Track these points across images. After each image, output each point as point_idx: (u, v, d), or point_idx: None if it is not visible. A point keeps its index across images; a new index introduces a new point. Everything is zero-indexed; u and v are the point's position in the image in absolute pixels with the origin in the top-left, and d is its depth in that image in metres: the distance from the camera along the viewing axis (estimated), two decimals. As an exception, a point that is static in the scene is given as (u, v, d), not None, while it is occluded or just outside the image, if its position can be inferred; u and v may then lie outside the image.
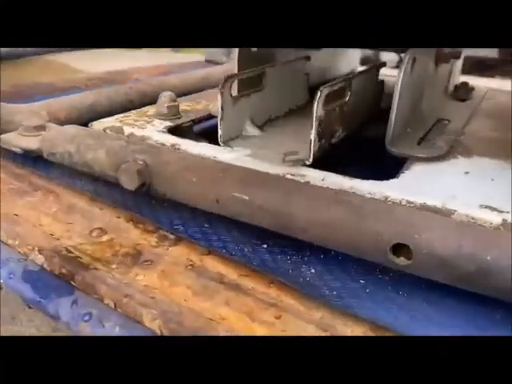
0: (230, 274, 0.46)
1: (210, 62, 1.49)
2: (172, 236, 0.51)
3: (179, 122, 0.67)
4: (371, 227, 0.40)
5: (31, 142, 0.63)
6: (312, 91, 0.84)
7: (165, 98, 0.67)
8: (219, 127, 0.59)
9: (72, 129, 0.61)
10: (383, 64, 0.79)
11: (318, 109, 0.51)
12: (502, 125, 0.75)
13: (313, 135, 0.52)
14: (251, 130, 0.64)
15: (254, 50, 0.67)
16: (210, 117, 0.73)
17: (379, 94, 0.80)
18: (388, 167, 0.57)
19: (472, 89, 0.92)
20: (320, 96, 0.51)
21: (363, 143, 0.68)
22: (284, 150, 0.58)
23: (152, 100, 0.84)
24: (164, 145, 0.59)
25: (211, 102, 0.76)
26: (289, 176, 0.52)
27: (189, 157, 0.53)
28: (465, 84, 0.92)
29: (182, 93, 0.91)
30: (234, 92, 0.61)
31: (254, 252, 0.48)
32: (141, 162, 0.53)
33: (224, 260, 0.48)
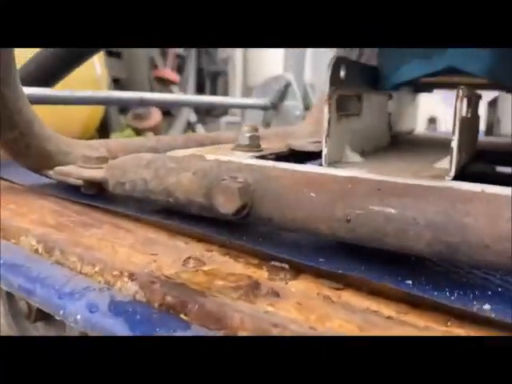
0: (384, 309, 0.33)
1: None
2: (286, 266, 0.39)
3: (262, 153, 0.58)
4: None
5: (94, 173, 0.54)
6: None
7: (247, 127, 0.58)
8: (324, 145, 0.49)
9: (147, 155, 0.52)
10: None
11: (461, 109, 0.42)
12: None
13: (455, 142, 0.42)
14: (352, 155, 0.54)
15: (343, 74, 0.60)
16: (291, 153, 0.64)
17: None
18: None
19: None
20: (462, 94, 0.42)
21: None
22: (400, 170, 0.48)
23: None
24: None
25: (285, 142, 0.68)
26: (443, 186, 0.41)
27: (304, 172, 0.43)
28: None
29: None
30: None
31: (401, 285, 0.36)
32: (241, 180, 0.43)
33: (365, 295, 0.35)
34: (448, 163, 0.46)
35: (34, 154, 0.53)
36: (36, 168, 0.55)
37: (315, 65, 3.96)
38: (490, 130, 1.14)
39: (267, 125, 1.32)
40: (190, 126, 4.22)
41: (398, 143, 0.76)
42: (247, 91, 4.41)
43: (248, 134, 0.58)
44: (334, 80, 0.57)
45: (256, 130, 0.60)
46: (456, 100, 0.42)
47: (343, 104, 0.55)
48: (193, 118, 4.19)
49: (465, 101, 0.45)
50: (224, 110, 3.88)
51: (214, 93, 4.81)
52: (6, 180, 0.60)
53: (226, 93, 4.91)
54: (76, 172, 0.54)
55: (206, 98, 1.45)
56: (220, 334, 0.28)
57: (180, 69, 4.26)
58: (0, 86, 0.46)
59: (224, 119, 3.73)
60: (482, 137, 0.88)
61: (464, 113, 0.46)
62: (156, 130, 3.42)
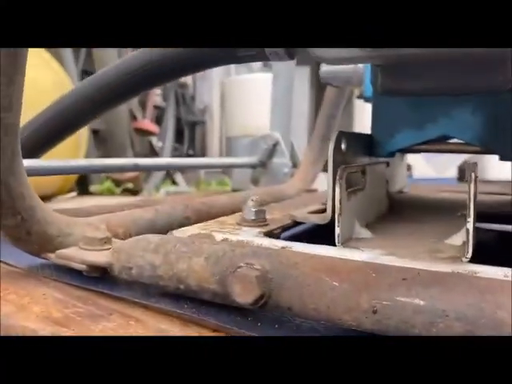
0: None
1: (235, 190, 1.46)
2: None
3: (269, 228, 0.57)
4: None
5: (98, 256, 0.52)
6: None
7: (252, 202, 0.58)
8: (337, 225, 0.49)
9: (154, 237, 0.50)
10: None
11: (475, 189, 0.43)
12: None
13: (471, 223, 0.43)
14: (362, 231, 0.54)
15: (344, 147, 0.61)
16: (295, 224, 0.63)
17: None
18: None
19: None
20: (472, 176, 0.43)
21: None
22: (415, 250, 0.48)
23: (207, 217, 0.77)
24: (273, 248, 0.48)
25: (287, 212, 0.68)
26: (465, 272, 0.41)
27: (323, 257, 0.42)
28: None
29: (232, 211, 0.84)
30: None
31: None
32: (258, 267, 0.41)
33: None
34: (458, 239, 0.46)
35: (35, 240, 0.51)
36: (37, 252, 0.53)
37: (301, 122, 4.06)
38: (462, 176, 1.17)
39: (256, 182, 1.33)
40: (168, 175, 4.21)
41: (394, 206, 0.77)
42: (226, 141, 4.47)
43: (254, 209, 0.58)
44: (337, 154, 0.57)
45: (262, 203, 0.59)
46: (469, 184, 0.43)
47: (350, 180, 0.55)
48: (172, 167, 4.18)
49: (474, 179, 0.45)
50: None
51: (192, 142, 4.85)
52: (3, 262, 0.57)
53: (204, 142, 4.96)
54: (78, 256, 0.52)
55: (200, 161, 1.46)
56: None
57: (159, 119, 4.30)
58: (5, 174, 0.44)
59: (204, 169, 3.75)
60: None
61: (475, 191, 0.46)
62: (136, 181, 3.39)
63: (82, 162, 0.88)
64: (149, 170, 2.46)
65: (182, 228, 0.57)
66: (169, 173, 4.23)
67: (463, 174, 3.07)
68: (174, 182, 4.27)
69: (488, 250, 0.63)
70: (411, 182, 2.43)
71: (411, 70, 0.60)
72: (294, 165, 1.32)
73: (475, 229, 0.44)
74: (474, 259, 0.45)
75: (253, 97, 3.37)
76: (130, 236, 0.64)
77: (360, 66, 0.88)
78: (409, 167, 2.67)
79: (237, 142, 3.73)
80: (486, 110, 0.66)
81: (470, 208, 0.43)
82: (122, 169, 0.94)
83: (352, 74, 0.91)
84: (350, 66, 0.91)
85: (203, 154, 4.87)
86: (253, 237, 0.52)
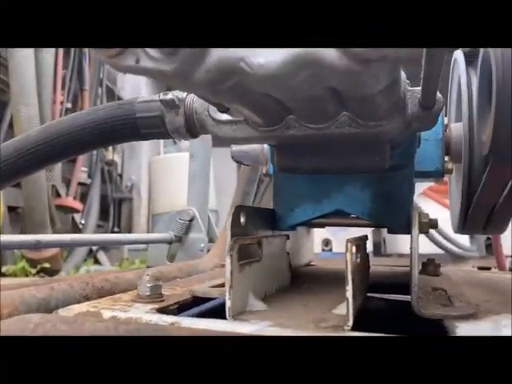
0: None
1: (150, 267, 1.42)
2: None
3: (164, 304, 0.56)
4: None
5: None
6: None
7: (148, 276, 0.57)
8: (227, 297, 0.49)
9: (34, 317, 0.47)
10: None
11: (351, 260, 0.45)
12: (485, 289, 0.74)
13: (350, 292, 0.45)
14: (256, 303, 0.55)
15: (243, 221, 0.63)
16: (195, 301, 0.62)
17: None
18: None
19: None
20: (351, 246, 0.46)
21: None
22: (302, 321, 0.49)
23: (109, 294, 0.74)
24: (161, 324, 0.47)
25: (188, 287, 0.67)
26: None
27: (206, 331, 0.42)
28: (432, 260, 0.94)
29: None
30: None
31: None
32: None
33: None
34: (344, 308, 0.48)
35: None
36: None
37: (219, 191, 4.13)
38: (377, 250, 1.23)
39: (172, 258, 1.31)
40: (91, 254, 4.02)
41: (298, 279, 0.79)
42: (152, 218, 4.40)
43: (149, 285, 0.57)
44: (235, 227, 0.59)
45: (158, 278, 0.58)
46: (346, 252, 0.45)
47: (245, 252, 0.56)
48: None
49: (354, 250, 0.48)
50: (128, 237, 3.79)
51: (118, 220, 4.72)
52: None
53: (130, 220, 4.86)
54: None
55: (109, 236, 1.42)
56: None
57: (83, 196, 4.18)
58: None
59: (128, 246, 3.63)
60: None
61: (354, 260, 0.49)
62: (54, 262, 3.19)
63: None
64: (55, 247, 2.33)
65: (69, 306, 0.55)
66: (92, 252, 4.05)
67: (378, 248, 3.24)
68: (96, 261, 4.08)
69: (379, 318, 0.65)
70: (330, 256, 2.50)
71: (302, 149, 0.65)
72: (211, 240, 1.33)
73: (364, 298, 0.46)
74: (364, 327, 0.46)
75: (179, 175, 3.42)
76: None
77: (266, 146, 0.93)
78: (327, 242, 2.77)
79: (160, 219, 3.70)
80: (374, 187, 0.72)
81: (347, 277, 0.45)
82: (22, 246, 0.89)
83: (259, 153, 0.96)
84: (258, 146, 0.96)
85: (129, 232, 4.74)
86: (143, 313, 0.51)
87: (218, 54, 0.37)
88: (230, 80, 0.39)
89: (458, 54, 0.88)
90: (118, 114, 0.68)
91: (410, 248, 0.55)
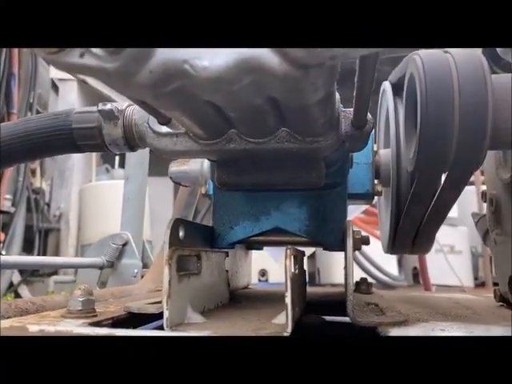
0: None
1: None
2: None
3: (97, 319, 0.53)
4: None
5: None
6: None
7: (80, 290, 0.54)
8: (165, 307, 0.48)
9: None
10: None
11: (290, 267, 0.46)
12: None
13: (288, 299, 0.45)
14: (194, 316, 0.53)
15: (181, 235, 0.62)
16: (131, 319, 0.60)
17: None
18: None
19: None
20: (290, 253, 0.47)
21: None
22: (242, 330, 0.49)
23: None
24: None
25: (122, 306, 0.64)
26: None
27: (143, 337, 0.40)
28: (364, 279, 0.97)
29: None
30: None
31: None
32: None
33: None
34: (283, 318, 0.48)
35: None
36: None
37: (154, 222, 4.03)
38: (312, 280, 1.26)
39: (103, 284, 1.25)
40: (11, 288, 3.73)
41: (236, 299, 0.78)
42: (81, 249, 4.20)
43: (81, 299, 0.54)
44: (173, 240, 0.58)
45: (90, 293, 0.56)
46: (285, 259, 0.46)
47: (183, 264, 0.55)
48: (16, 277, 3.74)
49: (292, 258, 0.49)
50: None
51: (44, 251, 4.44)
52: None
53: (57, 251, 4.59)
54: None
55: (35, 259, 1.33)
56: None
57: (6, 226, 3.90)
58: None
59: (54, 278, 3.42)
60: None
61: (293, 269, 0.50)
62: (-33, 295, 2.93)
63: None
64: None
65: (-8, 322, 0.50)
66: (12, 285, 3.76)
67: (313, 278, 3.30)
68: (17, 295, 3.79)
69: (315, 334, 0.66)
70: (266, 286, 2.50)
71: (242, 165, 0.66)
72: (145, 266, 1.29)
73: (302, 312, 0.47)
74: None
75: (112, 203, 3.30)
76: None
77: (205, 166, 0.94)
78: (264, 273, 2.77)
79: (91, 246, 3.53)
80: (310, 205, 0.74)
81: (287, 283, 0.46)
82: None
83: (198, 174, 0.96)
84: (197, 165, 0.96)
85: (56, 264, 4.46)
86: (74, 327, 0.48)
87: (162, 55, 0.37)
88: (173, 83, 0.39)
89: (386, 85, 0.95)
90: (53, 125, 0.65)
91: (345, 259, 0.57)
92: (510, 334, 0.50)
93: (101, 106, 0.62)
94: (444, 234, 2.45)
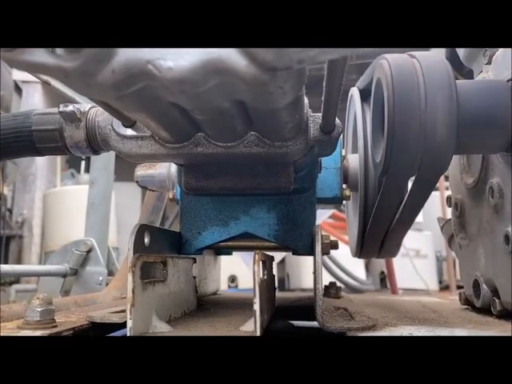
0: None
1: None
2: None
3: (57, 330, 0.51)
4: None
5: None
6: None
7: (38, 300, 0.51)
8: (129, 317, 0.46)
9: None
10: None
11: (258, 272, 0.45)
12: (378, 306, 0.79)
13: (257, 305, 0.44)
14: (160, 325, 0.52)
15: (147, 241, 0.60)
16: (92, 327, 0.58)
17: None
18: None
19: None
20: (258, 258, 0.46)
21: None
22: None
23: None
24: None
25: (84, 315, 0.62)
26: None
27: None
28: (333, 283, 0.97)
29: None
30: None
31: None
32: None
33: None
34: (252, 325, 0.47)
35: None
36: None
37: (121, 228, 3.95)
38: (281, 286, 1.26)
39: (66, 292, 1.20)
40: (-31, 298, 3.57)
41: (205, 306, 0.77)
42: (45, 256, 4.07)
43: (39, 309, 0.51)
44: (138, 247, 0.56)
45: (49, 302, 0.53)
46: (253, 264, 0.45)
47: (148, 271, 0.54)
48: (-26, 289, 3.58)
49: (261, 264, 0.49)
50: (15, 277, 3.44)
51: (5, 259, 4.28)
52: None
53: (20, 259, 4.43)
54: None
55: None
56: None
57: (-38, 233, 3.75)
58: None
59: (15, 287, 3.29)
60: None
61: (261, 275, 0.49)
62: None
63: None
64: None
65: None
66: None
67: (282, 283, 3.30)
68: (-25, 306, 3.63)
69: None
70: (234, 292, 2.48)
71: (210, 169, 0.65)
72: (111, 273, 1.25)
73: (270, 318, 0.46)
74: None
75: (77, 209, 3.21)
76: None
77: (172, 170, 0.92)
78: (233, 279, 2.75)
79: (54, 252, 3.43)
80: (279, 209, 0.73)
81: (255, 289, 0.45)
82: None
83: (165, 178, 0.94)
84: (164, 169, 0.94)
85: (18, 272, 4.31)
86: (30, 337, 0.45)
87: (125, 55, 0.36)
88: (136, 84, 0.38)
89: (354, 91, 0.95)
90: (11, 127, 0.62)
91: (314, 263, 0.57)
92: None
93: (62, 108, 0.59)
94: (410, 239, 2.50)
